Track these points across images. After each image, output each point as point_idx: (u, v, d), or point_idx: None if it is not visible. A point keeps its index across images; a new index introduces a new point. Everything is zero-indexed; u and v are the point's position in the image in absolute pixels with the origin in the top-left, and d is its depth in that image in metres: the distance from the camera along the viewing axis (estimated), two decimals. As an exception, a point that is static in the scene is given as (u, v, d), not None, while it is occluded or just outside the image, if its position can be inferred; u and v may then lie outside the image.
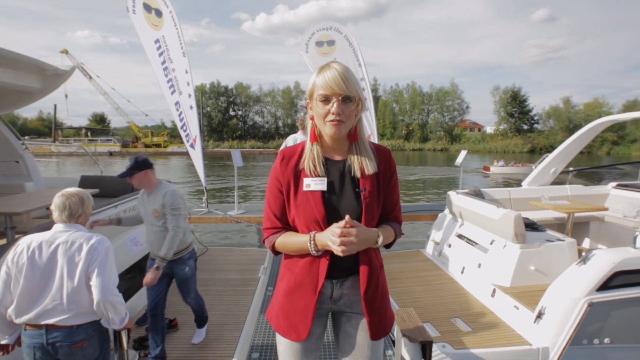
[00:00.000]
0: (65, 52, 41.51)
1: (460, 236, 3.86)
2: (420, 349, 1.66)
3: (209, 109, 59.66)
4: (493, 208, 3.35)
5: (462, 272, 3.58)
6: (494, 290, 3.01)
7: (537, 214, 4.16)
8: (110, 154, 38.81)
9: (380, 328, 1.33)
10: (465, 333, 2.63)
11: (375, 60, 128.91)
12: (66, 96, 45.55)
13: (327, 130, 1.22)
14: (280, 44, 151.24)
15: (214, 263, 4.33)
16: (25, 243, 1.66)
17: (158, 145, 45.37)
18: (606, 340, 2.35)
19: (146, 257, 3.03)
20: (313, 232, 1.22)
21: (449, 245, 3.97)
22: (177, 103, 5.96)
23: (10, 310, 1.62)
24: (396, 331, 1.80)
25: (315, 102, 1.21)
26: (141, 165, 2.43)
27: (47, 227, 1.80)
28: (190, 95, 5.91)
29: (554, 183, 4.68)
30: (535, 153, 45.35)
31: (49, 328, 1.61)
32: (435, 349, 2.38)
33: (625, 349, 2.39)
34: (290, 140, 5.02)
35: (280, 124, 63.17)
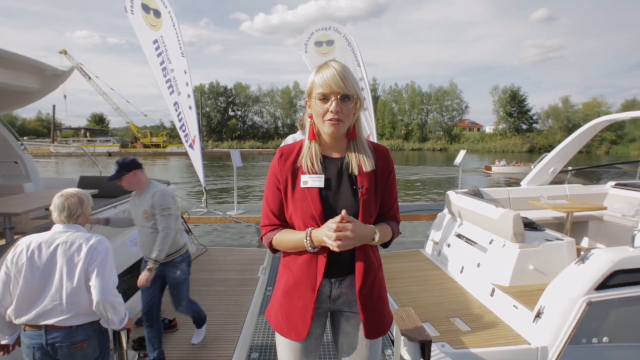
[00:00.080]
0: (64, 52, 41.50)
1: (459, 236, 3.87)
2: (420, 349, 1.67)
3: (208, 109, 59.63)
4: (492, 208, 3.36)
5: (461, 272, 3.58)
6: (493, 290, 3.01)
7: (536, 214, 4.17)
8: (110, 154, 38.76)
9: (377, 327, 1.32)
10: (464, 332, 2.63)
11: (375, 60, 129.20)
12: (65, 96, 45.55)
13: (326, 129, 1.22)
14: (279, 44, 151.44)
15: (214, 263, 4.33)
16: (25, 243, 1.66)
17: (157, 146, 45.34)
18: (605, 339, 2.36)
19: (145, 257, 3.03)
20: (309, 229, 1.22)
21: (448, 245, 3.98)
22: (175, 103, 5.96)
23: (9, 311, 1.62)
24: (395, 331, 1.80)
25: (313, 100, 1.22)
26: (129, 166, 2.37)
27: (46, 227, 1.80)
28: (189, 96, 5.91)
29: (553, 182, 4.68)
30: (534, 152, 45.37)
31: (48, 328, 1.61)
32: (435, 349, 2.38)
33: (624, 347, 2.39)
34: (289, 140, 5.02)
35: (279, 124, 63.17)
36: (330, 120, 1.20)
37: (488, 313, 2.92)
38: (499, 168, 22.77)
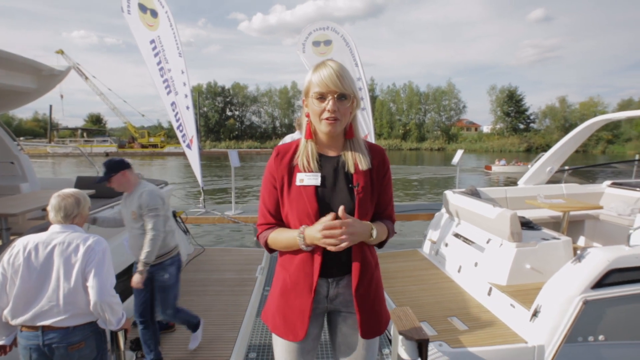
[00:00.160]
0: (61, 52, 41.29)
1: (457, 235, 3.88)
2: (417, 348, 1.67)
3: (205, 109, 59.53)
4: (489, 207, 3.37)
5: (458, 271, 3.59)
6: (491, 289, 3.02)
7: (533, 213, 4.19)
8: (107, 154, 38.59)
9: (374, 327, 1.32)
10: (461, 332, 2.64)
11: (373, 60, 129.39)
12: (62, 97, 45.46)
13: (323, 128, 1.22)
14: (277, 44, 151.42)
15: (211, 263, 4.32)
16: (22, 244, 1.65)
17: (155, 146, 45.18)
18: (601, 337, 2.37)
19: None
20: (303, 226, 1.21)
21: (446, 244, 3.99)
22: (173, 103, 5.95)
23: (6, 312, 1.61)
24: (393, 330, 1.81)
25: (310, 99, 1.22)
26: (116, 166, 2.32)
27: (43, 228, 1.80)
28: (186, 96, 5.90)
29: (550, 182, 4.71)
30: (532, 152, 45.56)
31: (45, 329, 1.61)
32: (432, 348, 2.39)
33: (620, 345, 2.41)
34: (287, 140, 5.02)
35: (277, 124, 63.14)
36: (327, 119, 1.20)
37: (485, 312, 2.93)
38: (499, 168, 22.87)
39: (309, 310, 1.27)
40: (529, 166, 4.82)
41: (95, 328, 1.72)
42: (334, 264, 1.28)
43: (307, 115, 1.27)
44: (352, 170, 1.27)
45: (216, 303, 3.33)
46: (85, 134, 50.14)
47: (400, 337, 1.68)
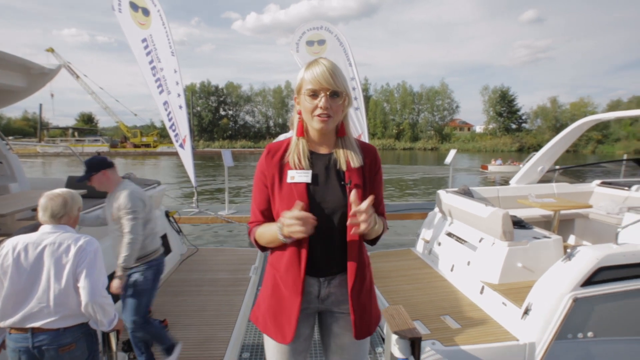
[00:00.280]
0: (51, 50, 40.67)
1: (449, 234, 3.91)
2: (410, 346, 1.68)
3: (199, 108, 59.18)
4: (482, 206, 3.40)
5: (451, 270, 3.62)
6: (483, 288, 3.05)
7: (525, 212, 4.24)
8: (99, 154, 38.06)
9: (366, 327, 1.31)
10: (454, 330, 2.66)
11: (367, 60, 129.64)
12: (52, 95, 44.75)
13: (315, 125, 1.22)
14: (271, 43, 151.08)
15: (205, 263, 4.30)
16: (11, 245, 1.63)
17: (147, 146, 44.79)
18: (589, 334, 2.41)
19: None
20: (283, 217, 1.17)
21: (439, 244, 4.02)
22: (165, 103, 5.90)
23: (-6, 314, 1.59)
24: (386, 328, 1.82)
25: (303, 96, 1.22)
26: (97, 165, 2.26)
27: (32, 228, 1.77)
28: (179, 95, 5.86)
29: (541, 181, 4.76)
30: (524, 152, 46.06)
31: (35, 331, 1.59)
32: (425, 346, 2.41)
33: (607, 342, 2.45)
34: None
35: (271, 123, 63.00)
36: (319, 116, 1.19)
37: (478, 310, 2.95)
38: (495, 167, 23.14)
39: (297, 312, 1.25)
40: (521, 166, 4.88)
41: (87, 329, 1.70)
42: (325, 263, 1.27)
43: (299, 113, 1.27)
44: (344, 167, 1.27)
45: (210, 303, 3.31)
46: (76, 134, 49.50)
47: (393, 335, 1.69)
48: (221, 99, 61.43)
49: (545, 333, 2.38)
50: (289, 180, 1.24)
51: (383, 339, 2.66)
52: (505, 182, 4.85)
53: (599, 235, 4.13)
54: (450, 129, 61.39)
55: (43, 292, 1.59)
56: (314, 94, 1.19)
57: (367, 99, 56.80)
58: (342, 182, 1.26)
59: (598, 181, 4.78)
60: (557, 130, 42.26)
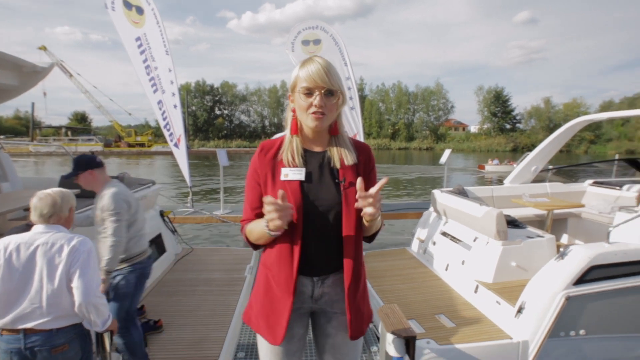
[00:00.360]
0: (44, 48, 40.23)
1: (444, 234, 3.93)
2: (405, 345, 1.69)
3: (194, 107, 58.85)
4: (476, 206, 3.43)
5: (446, 269, 3.64)
6: (477, 287, 3.07)
7: (519, 211, 4.27)
8: (92, 153, 37.72)
9: (360, 327, 1.31)
10: (449, 329, 2.68)
11: (362, 60, 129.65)
12: (45, 94, 44.23)
13: (309, 123, 1.21)
14: (267, 42, 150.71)
15: (200, 263, 4.28)
16: (2, 245, 1.61)
17: (142, 145, 44.44)
18: (581, 331, 2.44)
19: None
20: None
21: (434, 243, 4.04)
22: (159, 102, 5.87)
23: (-15, 315, 1.57)
24: (381, 327, 1.82)
25: (297, 94, 1.21)
26: (84, 164, 2.22)
27: (24, 228, 1.75)
28: (174, 94, 5.83)
29: (535, 181, 4.80)
30: (518, 152, 46.39)
31: (27, 332, 1.57)
32: (420, 345, 2.42)
33: (599, 339, 2.48)
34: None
35: (266, 123, 62.85)
36: (314, 114, 1.19)
37: (472, 309, 2.97)
38: (492, 167, 23.31)
39: (289, 312, 1.23)
40: (515, 165, 4.93)
41: (80, 330, 1.69)
42: (319, 261, 1.26)
43: (293, 111, 1.26)
44: (337, 165, 1.26)
45: (205, 303, 3.30)
46: (69, 133, 48.91)
47: (388, 334, 1.70)
48: (216, 98, 61.14)
49: (539, 331, 2.41)
50: (282, 178, 1.23)
51: (378, 338, 2.66)
52: (502, 182, 4.88)
53: (591, 234, 4.18)
54: (445, 129, 61.68)
55: (35, 293, 1.58)
56: (309, 92, 1.18)
57: (362, 98, 56.87)
58: (337, 180, 1.25)
59: (590, 181, 4.84)
60: (551, 130, 42.57)
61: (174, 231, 4.53)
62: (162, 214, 4.42)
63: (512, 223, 3.54)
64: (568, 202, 4.22)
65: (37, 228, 1.68)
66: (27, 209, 1.79)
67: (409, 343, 1.61)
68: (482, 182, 19.10)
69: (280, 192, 1.10)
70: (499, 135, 55.73)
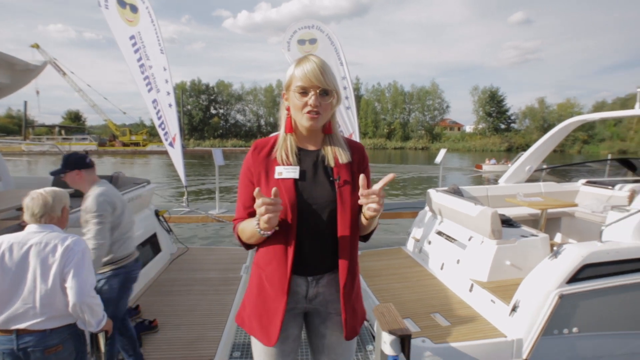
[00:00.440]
0: (37, 46, 39.71)
1: (439, 233, 3.95)
2: (400, 344, 1.70)
3: (189, 107, 58.55)
4: (471, 205, 3.45)
5: (441, 268, 3.66)
6: (472, 285, 3.09)
7: (513, 211, 4.30)
8: (86, 153, 37.34)
9: (355, 327, 1.31)
10: (444, 328, 2.70)
11: (358, 60, 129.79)
12: (38, 92, 43.86)
13: (304, 122, 1.21)
14: (263, 42, 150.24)
15: (195, 263, 4.27)
16: (-6, 245, 1.59)
17: (137, 144, 44.16)
18: (575, 329, 2.47)
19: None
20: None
21: (429, 242, 4.06)
22: (154, 101, 5.83)
23: (-22, 316, 1.55)
24: (376, 326, 1.83)
25: (292, 93, 1.21)
26: (72, 164, 2.17)
27: (17, 228, 1.74)
28: (169, 93, 5.79)
29: (529, 180, 4.84)
30: (512, 151, 46.70)
31: (20, 333, 1.55)
32: (415, 344, 2.43)
33: (591, 336, 2.51)
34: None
35: (262, 122, 62.72)
36: (309, 113, 1.19)
37: (467, 308, 2.99)
38: (489, 167, 23.46)
39: (282, 313, 1.22)
40: (509, 165, 4.97)
41: (74, 330, 1.68)
42: (314, 260, 1.25)
43: (288, 109, 1.26)
44: (332, 163, 1.26)
45: (200, 302, 3.29)
46: (63, 132, 48.40)
47: (384, 333, 1.70)
48: (212, 97, 60.88)
49: (532, 329, 2.43)
50: (276, 176, 1.23)
51: (373, 337, 2.67)
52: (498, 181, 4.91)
53: (584, 233, 4.22)
54: (441, 129, 61.94)
55: (29, 293, 1.56)
56: (304, 92, 1.18)
57: (358, 98, 56.99)
58: (331, 178, 1.25)
59: (583, 180, 4.89)
60: (545, 130, 42.92)
61: (169, 231, 4.51)
62: (157, 214, 4.40)
63: (507, 222, 3.57)
64: (561, 201, 4.26)
65: (31, 228, 1.66)
66: (20, 209, 1.78)
67: (404, 342, 1.62)
68: (477, 182, 19.23)
69: (273, 189, 1.09)
70: (494, 135, 56.12)
